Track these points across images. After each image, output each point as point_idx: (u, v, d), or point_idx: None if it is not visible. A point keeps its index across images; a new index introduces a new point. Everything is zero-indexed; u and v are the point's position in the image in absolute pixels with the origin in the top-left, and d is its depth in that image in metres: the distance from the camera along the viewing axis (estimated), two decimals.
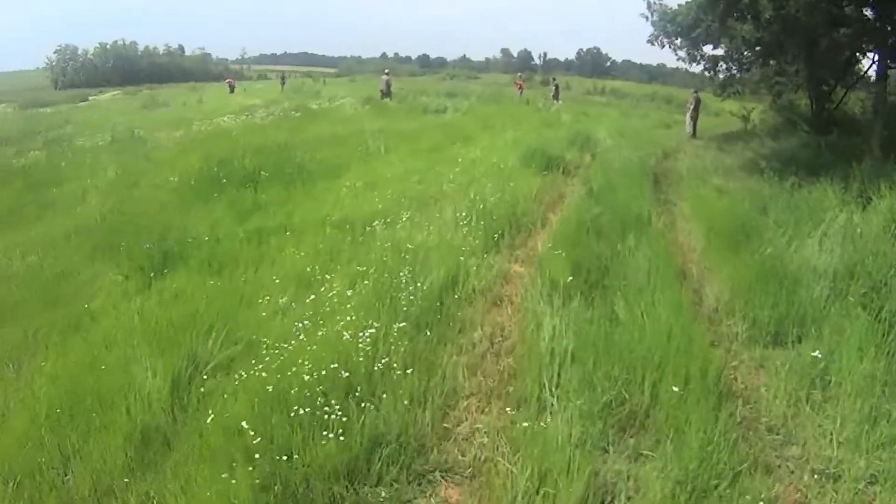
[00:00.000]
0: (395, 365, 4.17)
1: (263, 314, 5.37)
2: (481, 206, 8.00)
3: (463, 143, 15.22)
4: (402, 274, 5.53)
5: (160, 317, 5.33)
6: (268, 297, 5.69)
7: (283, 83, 46.50)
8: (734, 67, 18.07)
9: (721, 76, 18.84)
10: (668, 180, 12.64)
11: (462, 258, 6.20)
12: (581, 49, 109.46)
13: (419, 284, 5.36)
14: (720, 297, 5.87)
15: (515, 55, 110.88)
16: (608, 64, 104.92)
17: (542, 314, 4.96)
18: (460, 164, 11.74)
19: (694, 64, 18.39)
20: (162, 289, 6.50)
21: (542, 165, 11.41)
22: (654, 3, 17.36)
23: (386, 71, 30.91)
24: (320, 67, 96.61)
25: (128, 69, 70.49)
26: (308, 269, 6.22)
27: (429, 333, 4.75)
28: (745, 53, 16.45)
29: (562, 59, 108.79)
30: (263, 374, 4.07)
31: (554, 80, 40.32)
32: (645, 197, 9.47)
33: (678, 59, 18.34)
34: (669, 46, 17.34)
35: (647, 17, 17.66)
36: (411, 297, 5.15)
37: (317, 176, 10.94)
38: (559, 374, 4.19)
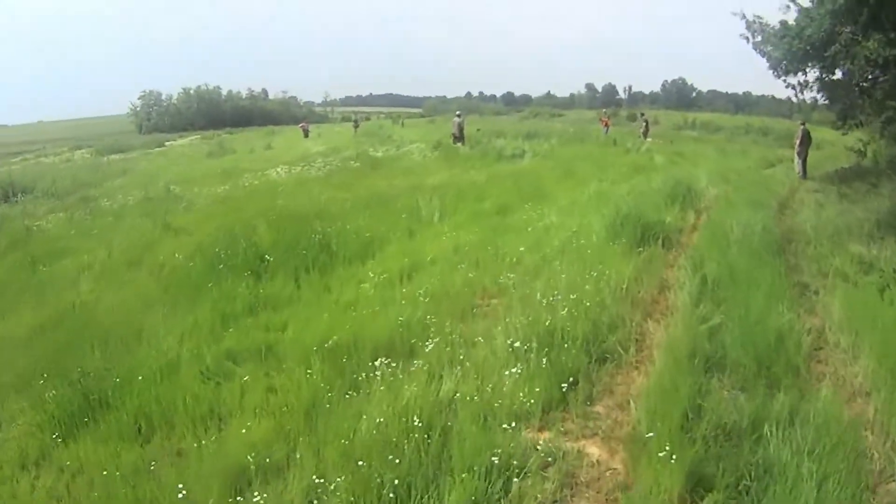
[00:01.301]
0: None
1: None
2: (548, 321, 5.51)
3: (537, 200, 12.67)
4: None
5: None
6: None
7: (356, 126, 45.49)
8: (855, 93, 14.90)
9: (839, 105, 15.96)
10: (793, 248, 9.61)
11: (500, 450, 3.70)
12: (666, 80, 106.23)
13: None
14: None
15: (600, 89, 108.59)
16: (694, 94, 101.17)
17: None
18: (529, 235, 9.45)
19: (814, 91, 15.48)
20: (62, 463, 4.54)
21: (636, 236, 8.59)
22: (760, 22, 14.76)
23: (458, 113, 28.50)
24: (405, 108, 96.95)
25: (211, 113, 72.41)
26: (251, 457, 3.90)
27: None
28: (869, 77, 13.66)
29: (646, 91, 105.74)
30: None
31: (642, 115, 37.67)
32: (782, 295, 6.59)
33: (787, 87, 15.42)
34: (800, 72, 14.41)
35: (747, 39, 15.18)
36: None
37: (341, 257, 8.71)
38: None
